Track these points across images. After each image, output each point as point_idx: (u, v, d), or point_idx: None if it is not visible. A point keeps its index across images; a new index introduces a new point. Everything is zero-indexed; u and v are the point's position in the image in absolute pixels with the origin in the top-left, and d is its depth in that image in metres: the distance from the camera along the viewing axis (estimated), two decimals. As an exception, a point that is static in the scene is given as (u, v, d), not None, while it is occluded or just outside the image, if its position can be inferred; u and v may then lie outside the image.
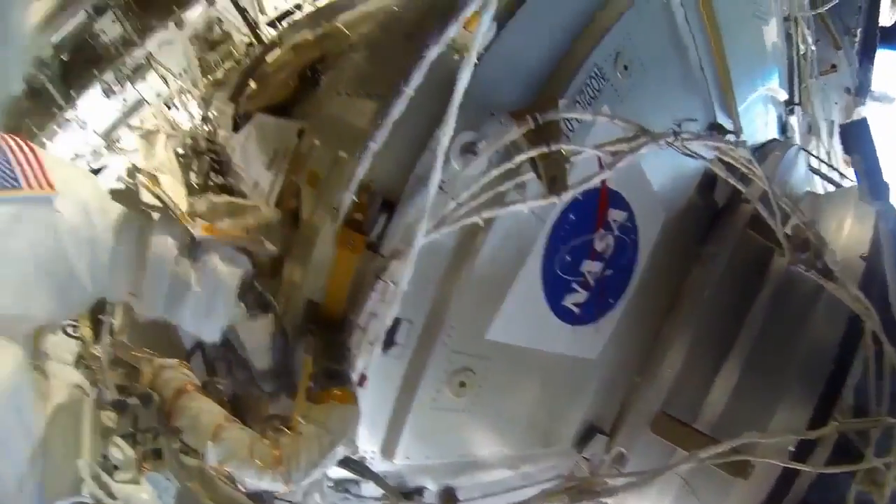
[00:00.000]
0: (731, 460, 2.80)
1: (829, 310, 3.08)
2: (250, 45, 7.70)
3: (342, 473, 2.57)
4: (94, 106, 7.51)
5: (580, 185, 2.10)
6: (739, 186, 2.84)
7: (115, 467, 1.74)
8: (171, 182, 3.96)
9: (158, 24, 7.28)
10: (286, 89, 3.57)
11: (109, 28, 7.11)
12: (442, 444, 2.64)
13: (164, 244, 2.20)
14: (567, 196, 2.09)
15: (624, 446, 3.22)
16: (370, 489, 2.68)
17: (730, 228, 3.32)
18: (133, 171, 3.75)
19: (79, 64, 7.34)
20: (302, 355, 2.16)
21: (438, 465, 2.73)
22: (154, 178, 3.48)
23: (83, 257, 1.92)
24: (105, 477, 1.68)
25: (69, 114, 7.22)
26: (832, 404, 2.87)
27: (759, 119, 4.11)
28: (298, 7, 7.93)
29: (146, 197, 2.96)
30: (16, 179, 1.75)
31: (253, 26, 7.50)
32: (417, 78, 1.91)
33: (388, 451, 2.54)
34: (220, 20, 8.07)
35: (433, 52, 1.88)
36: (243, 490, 2.13)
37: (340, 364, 2.02)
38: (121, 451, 1.80)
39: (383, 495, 2.55)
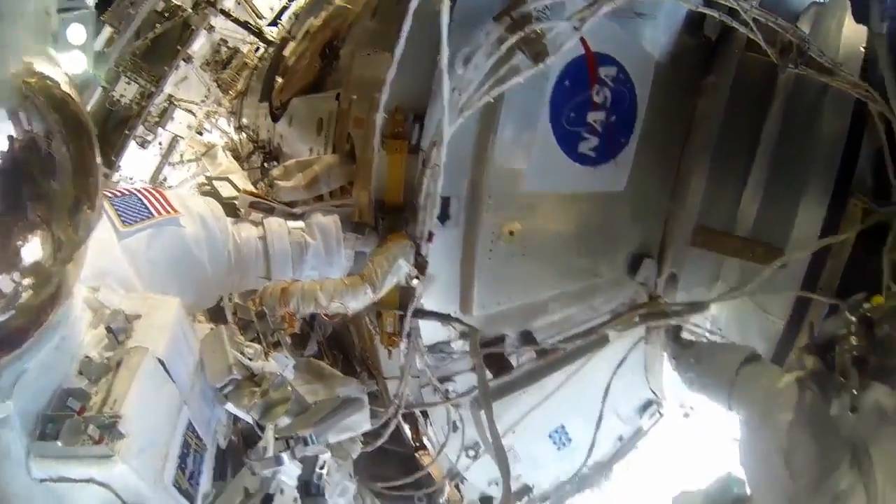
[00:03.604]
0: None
1: (835, 102, 3.55)
2: (257, 49, 8.70)
3: (434, 338, 3.52)
4: (135, 160, 8.72)
5: (559, 50, 2.88)
6: (712, 13, 3.43)
7: (250, 359, 2.54)
8: (240, 178, 5.03)
9: (169, 69, 8.08)
10: (312, 71, 4.49)
11: (126, 90, 7.93)
12: (509, 289, 3.51)
13: (276, 223, 3.20)
14: (549, 61, 2.88)
15: (673, 267, 3.93)
16: (459, 345, 3.62)
17: (726, 56, 3.91)
18: (209, 178, 4.88)
19: (110, 131, 8.24)
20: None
21: (511, 310, 3.57)
22: (227, 179, 4.49)
23: (203, 251, 2.93)
24: (245, 361, 2.49)
25: (115, 177, 8.35)
26: (848, 182, 3.39)
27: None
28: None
29: (226, 193, 4.04)
30: (149, 212, 2.79)
31: (258, 33, 8.38)
32: (408, 24, 2.77)
33: (465, 306, 3.45)
34: (223, 40, 9.13)
35: (414, 3, 2.73)
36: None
37: (399, 225, 3.04)
38: (251, 347, 2.62)
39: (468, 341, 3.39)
